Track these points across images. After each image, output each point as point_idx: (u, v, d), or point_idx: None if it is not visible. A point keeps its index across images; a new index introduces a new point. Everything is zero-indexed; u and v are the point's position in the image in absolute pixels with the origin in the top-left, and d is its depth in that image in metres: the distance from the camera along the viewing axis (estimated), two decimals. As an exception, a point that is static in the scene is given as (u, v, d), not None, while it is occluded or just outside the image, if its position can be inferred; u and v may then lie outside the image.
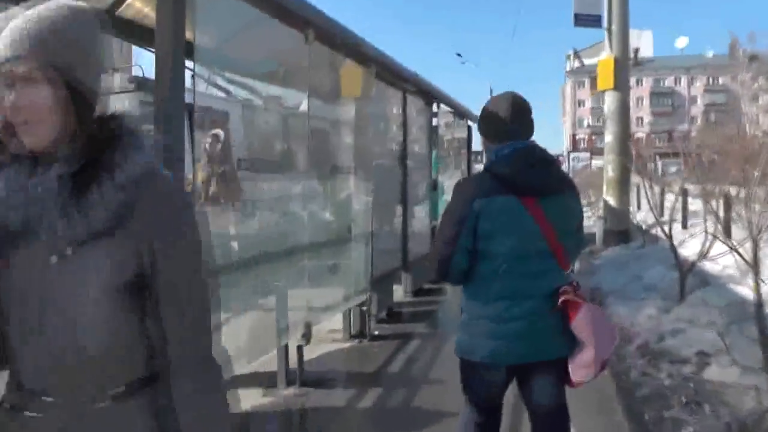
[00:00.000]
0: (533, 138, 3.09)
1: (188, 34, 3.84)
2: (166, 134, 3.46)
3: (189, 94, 4.07)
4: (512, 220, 2.88)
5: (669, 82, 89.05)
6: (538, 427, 3.14)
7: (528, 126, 3.05)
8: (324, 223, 6.66)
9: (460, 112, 13.32)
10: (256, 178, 5.71)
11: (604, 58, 13.41)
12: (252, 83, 5.76)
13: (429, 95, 10.41)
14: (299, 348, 5.81)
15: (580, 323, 2.85)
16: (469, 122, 14.94)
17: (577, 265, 2.98)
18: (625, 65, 13.42)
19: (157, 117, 3.56)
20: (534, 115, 3.08)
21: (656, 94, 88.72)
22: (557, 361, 2.95)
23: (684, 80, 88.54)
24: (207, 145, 6.37)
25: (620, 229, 13.25)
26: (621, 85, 13.28)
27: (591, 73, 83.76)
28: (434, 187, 11.16)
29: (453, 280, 3.06)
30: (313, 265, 6.22)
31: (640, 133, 67.01)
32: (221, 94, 5.58)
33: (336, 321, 7.30)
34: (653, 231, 12.67)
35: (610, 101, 13.42)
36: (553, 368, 2.98)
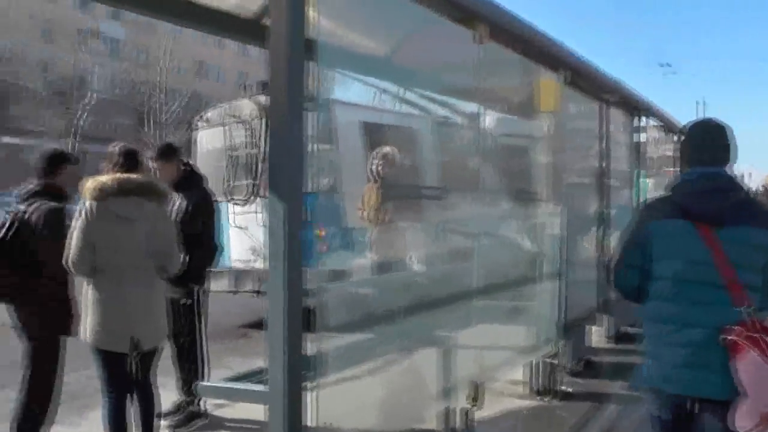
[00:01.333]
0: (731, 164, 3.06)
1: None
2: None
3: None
4: (682, 244, 2.91)
5: None
6: None
7: (718, 152, 3.04)
8: (506, 258, 5.59)
9: (668, 126, 11.64)
10: (421, 206, 4.81)
11: None
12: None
13: (632, 106, 8.97)
14: (465, 412, 4.75)
15: (741, 368, 2.73)
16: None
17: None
18: None
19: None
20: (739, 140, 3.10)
21: None
22: (725, 402, 2.79)
23: None
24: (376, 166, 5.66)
25: None
26: None
27: None
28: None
29: (625, 294, 3.23)
30: (489, 310, 5.18)
31: None
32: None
33: (518, 370, 6.16)
34: None
35: None
36: (719, 410, 2.81)
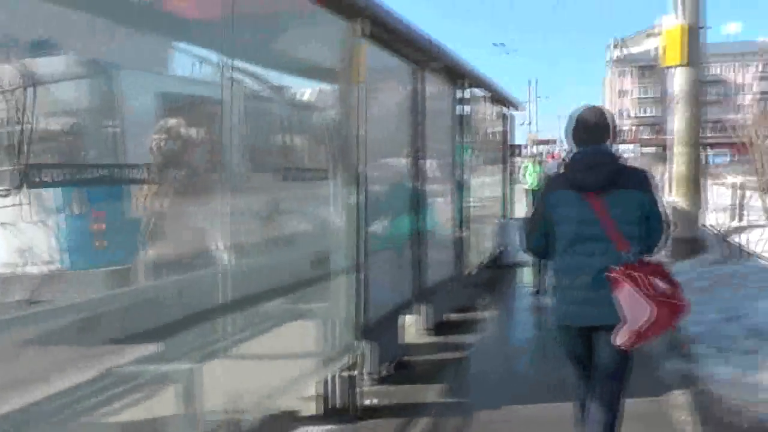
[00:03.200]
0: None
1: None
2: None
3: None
4: (574, 210, 3.60)
5: (716, 69, 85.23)
6: (597, 382, 3.69)
7: (598, 132, 3.71)
8: (283, 255, 4.44)
9: (497, 97, 10.90)
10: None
11: (671, 27, 10.85)
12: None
13: (456, 74, 8.06)
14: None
15: (617, 300, 3.43)
16: (509, 110, 12.53)
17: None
18: (698, 34, 10.81)
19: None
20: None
21: (702, 83, 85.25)
22: (614, 326, 3.48)
23: (734, 68, 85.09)
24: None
25: (690, 237, 10.75)
26: (694, 59, 10.73)
27: (634, 63, 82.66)
28: (461, 188, 8.73)
29: (535, 253, 4.27)
30: (256, 322, 4.06)
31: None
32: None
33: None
34: (732, 239, 10.24)
35: (680, 80, 10.87)
36: (610, 332, 3.51)
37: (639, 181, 3.66)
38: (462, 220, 8.59)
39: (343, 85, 5.11)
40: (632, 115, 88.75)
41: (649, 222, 3.66)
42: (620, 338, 3.46)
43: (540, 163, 17.61)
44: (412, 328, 7.29)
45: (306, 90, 5.15)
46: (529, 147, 40.76)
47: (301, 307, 4.81)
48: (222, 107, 3.68)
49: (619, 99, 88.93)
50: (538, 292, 8.77)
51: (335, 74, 5.09)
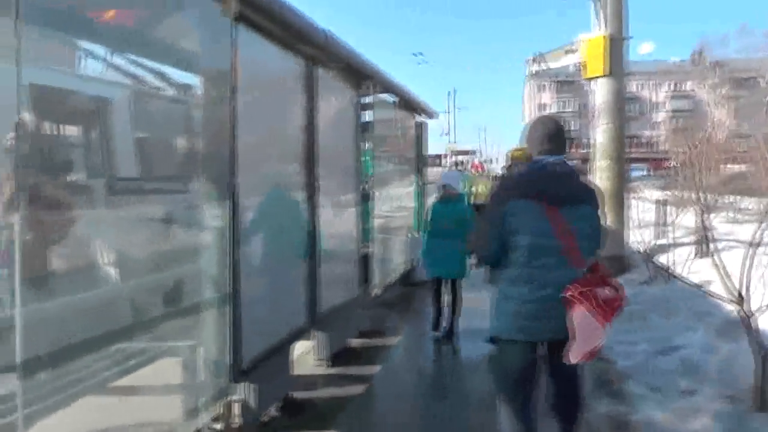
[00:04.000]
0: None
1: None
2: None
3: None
4: (531, 220, 3.51)
5: (632, 87, 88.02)
6: (559, 386, 3.74)
7: (559, 144, 3.69)
8: (118, 289, 3.54)
9: (409, 104, 10.16)
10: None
11: (592, 37, 10.38)
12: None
13: (359, 75, 7.27)
14: None
15: (573, 319, 3.40)
16: (421, 118, 11.82)
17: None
18: (621, 45, 10.36)
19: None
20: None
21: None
22: (563, 341, 3.47)
23: (648, 86, 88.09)
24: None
25: (615, 255, 10.24)
26: (616, 70, 10.25)
27: (553, 78, 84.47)
28: (365, 199, 7.95)
29: (486, 261, 3.77)
30: (99, 373, 3.16)
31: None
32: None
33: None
34: (657, 258, 9.78)
35: (602, 91, 10.36)
36: (560, 347, 3.50)
37: (592, 197, 3.70)
38: (367, 234, 7.82)
39: (211, 80, 4.24)
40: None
41: (594, 236, 3.69)
42: (573, 357, 3.46)
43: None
44: (310, 357, 6.46)
45: (162, 83, 4.26)
46: (448, 157, 40.82)
47: (154, 348, 3.92)
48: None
49: (538, 112, 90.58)
50: (437, 326, 7.86)
51: (200, 65, 4.22)
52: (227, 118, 4.19)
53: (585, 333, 3.40)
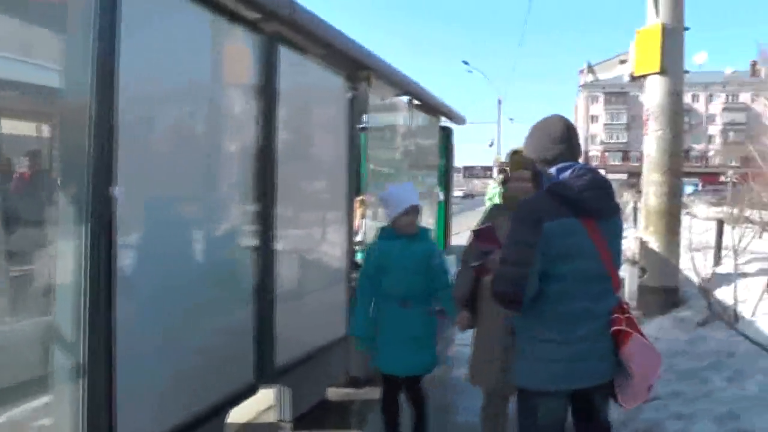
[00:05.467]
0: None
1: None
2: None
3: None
4: (576, 242, 2.90)
5: (686, 98, 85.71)
6: None
7: (576, 147, 3.10)
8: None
9: (426, 106, 8.68)
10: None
11: (646, 27, 8.71)
12: None
13: (348, 62, 5.84)
14: None
15: (628, 354, 2.88)
16: (447, 121, 10.31)
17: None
18: (679, 37, 8.56)
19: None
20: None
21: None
22: (610, 382, 2.99)
23: (702, 97, 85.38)
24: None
25: (666, 286, 8.60)
26: (672, 67, 8.49)
27: (604, 88, 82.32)
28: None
29: (523, 306, 2.93)
30: None
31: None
32: None
33: None
34: (714, 292, 8.13)
35: (655, 92, 8.55)
36: (607, 389, 3.01)
37: (619, 207, 3.22)
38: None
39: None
40: (602, 140, 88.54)
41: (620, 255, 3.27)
42: (633, 399, 3.01)
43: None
44: (269, 416, 5.04)
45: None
46: (494, 170, 39.12)
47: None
48: None
49: (591, 124, 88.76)
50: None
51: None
52: (107, 104, 2.83)
53: (644, 367, 2.94)
